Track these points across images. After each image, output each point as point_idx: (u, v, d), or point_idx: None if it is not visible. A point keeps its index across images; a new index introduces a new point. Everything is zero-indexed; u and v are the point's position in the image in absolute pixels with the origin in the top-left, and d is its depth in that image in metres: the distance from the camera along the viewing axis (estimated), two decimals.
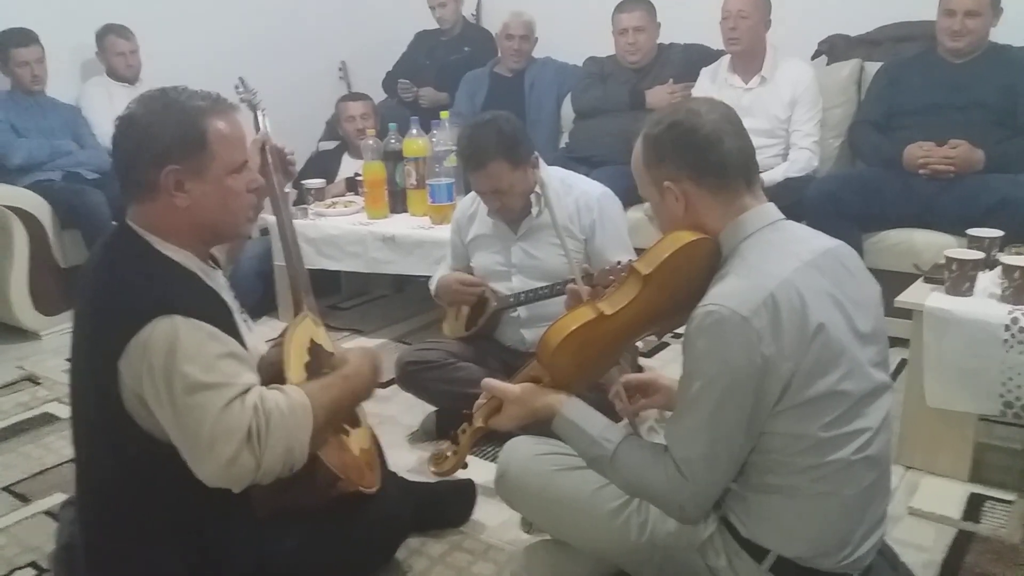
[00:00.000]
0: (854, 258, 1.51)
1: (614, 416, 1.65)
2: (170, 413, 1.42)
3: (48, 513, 2.20)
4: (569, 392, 1.56)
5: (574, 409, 1.53)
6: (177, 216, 1.52)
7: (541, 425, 1.58)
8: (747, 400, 1.34)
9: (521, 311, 2.51)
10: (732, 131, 1.45)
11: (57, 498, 2.25)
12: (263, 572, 1.59)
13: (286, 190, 2.09)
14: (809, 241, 1.48)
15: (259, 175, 1.69)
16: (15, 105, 3.77)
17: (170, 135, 1.49)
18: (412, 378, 2.51)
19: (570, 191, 2.47)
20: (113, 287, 1.50)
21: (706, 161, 1.43)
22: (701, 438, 1.38)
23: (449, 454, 1.73)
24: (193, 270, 1.56)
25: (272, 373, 1.61)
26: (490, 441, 2.31)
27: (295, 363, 1.66)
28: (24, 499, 2.30)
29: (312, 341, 1.79)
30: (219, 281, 1.65)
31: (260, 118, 2.15)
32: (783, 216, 1.49)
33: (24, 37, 3.76)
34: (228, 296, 1.65)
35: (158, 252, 1.53)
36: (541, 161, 2.48)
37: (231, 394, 1.42)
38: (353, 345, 3.29)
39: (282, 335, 1.72)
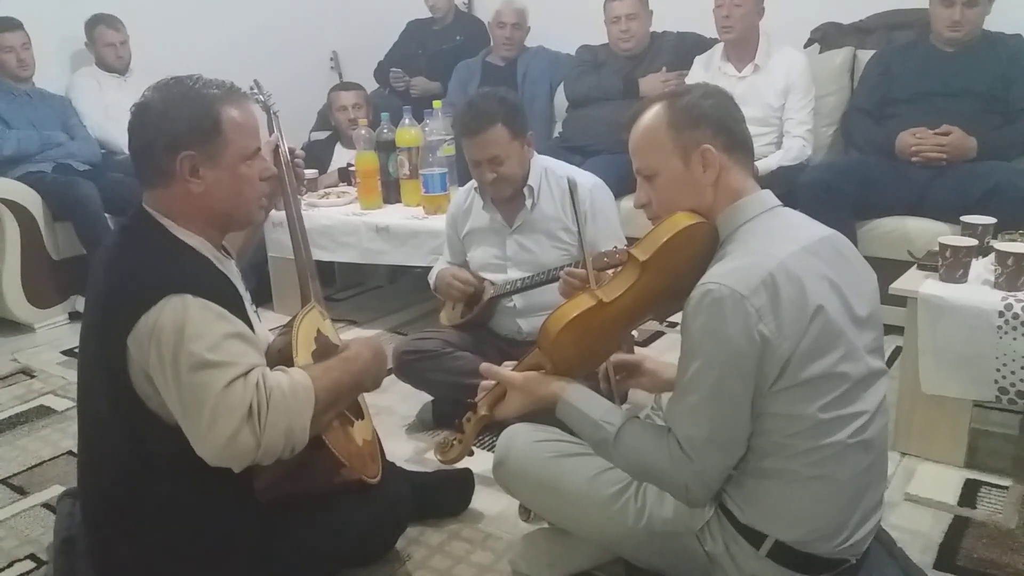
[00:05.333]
0: (850, 246, 1.53)
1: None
2: (174, 390, 1.43)
3: (46, 505, 2.20)
4: (571, 378, 1.57)
5: (576, 394, 1.55)
6: (191, 202, 1.55)
7: (544, 412, 1.58)
8: (747, 378, 1.35)
9: (517, 301, 2.51)
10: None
11: (55, 490, 2.25)
12: (267, 561, 1.60)
13: (298, 196, 2.13)
14: (806, 227, 1.50)
15: (271, 165, 1.72)
16: (3, 96, 3.73)
17: (185, 121, 1.51)
18: (409, 368, 2.51)
19: (561, 181, 2.47)
20: (127, 266, 1.52)
21: (740, 132, 1.48)
22: (703, 416, 1.38)
23: (455, 443, 1.73)
24: (206, 255, 1.59)
25: (280, 360, 1.62)
26: (488, 430, 2.31)
27: (303, 351, 1.67)
28: (22, 492, 2.29)
29: (319, 331, 1.80)
30: (231, 269, 1.68)
31: (274, 121, 2.19)
32: (780, 203, 1.51)
33: (7, 22, 3.73)
34: (240, 285, 1.67)
35: (173, 236, 1.55)
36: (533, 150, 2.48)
37: (234, 373, 1.43)
38: (350, 336, 3.32)
39: (289, 324, 1.73)
